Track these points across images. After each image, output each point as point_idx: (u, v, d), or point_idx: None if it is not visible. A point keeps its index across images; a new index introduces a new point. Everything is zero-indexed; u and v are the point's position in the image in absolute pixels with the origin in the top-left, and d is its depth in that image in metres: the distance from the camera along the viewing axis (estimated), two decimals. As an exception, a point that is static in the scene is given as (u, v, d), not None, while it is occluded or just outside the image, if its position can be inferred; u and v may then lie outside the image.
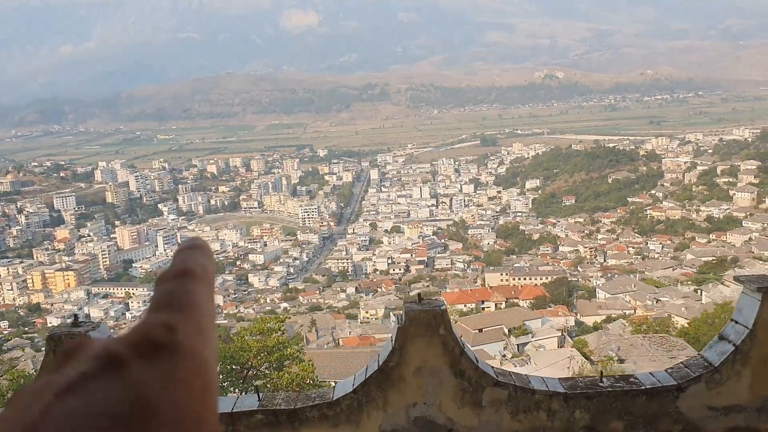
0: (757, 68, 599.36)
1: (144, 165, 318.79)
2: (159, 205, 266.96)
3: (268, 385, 17.52)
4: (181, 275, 0.79)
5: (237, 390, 16.78)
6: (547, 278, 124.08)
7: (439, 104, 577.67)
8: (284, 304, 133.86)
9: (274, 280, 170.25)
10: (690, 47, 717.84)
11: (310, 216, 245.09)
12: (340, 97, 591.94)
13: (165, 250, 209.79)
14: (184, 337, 0.72)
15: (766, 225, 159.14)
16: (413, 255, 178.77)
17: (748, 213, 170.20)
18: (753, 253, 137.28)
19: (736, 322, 5.36)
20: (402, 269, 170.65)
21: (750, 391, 5.14)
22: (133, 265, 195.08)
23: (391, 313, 59.69)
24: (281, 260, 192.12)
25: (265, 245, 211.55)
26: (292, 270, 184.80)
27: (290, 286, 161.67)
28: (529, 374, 5.51)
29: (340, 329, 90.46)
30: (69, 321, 6.70)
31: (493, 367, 5.33)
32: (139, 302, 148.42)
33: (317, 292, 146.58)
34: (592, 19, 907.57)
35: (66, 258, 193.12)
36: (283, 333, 19.26)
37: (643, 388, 5.11)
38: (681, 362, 5.52)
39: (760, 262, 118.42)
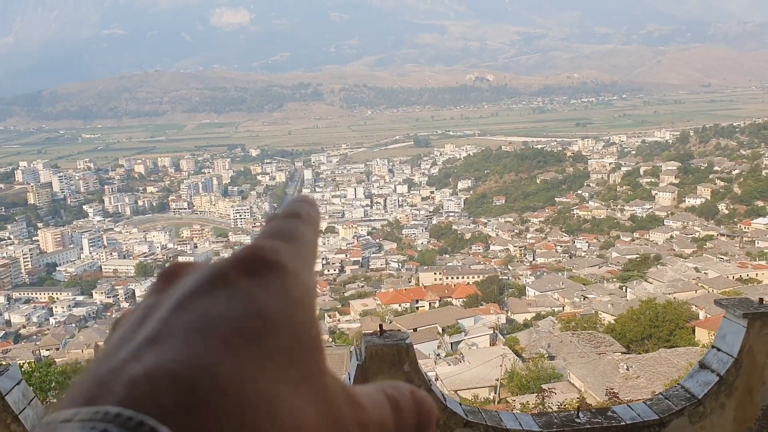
0: (676, 72, 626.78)
1: (68, 165, 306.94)
2: (84, 207, 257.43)
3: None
4: (290, 216, 0.82)
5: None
6: (479, 277, 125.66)
7: (373, 104, 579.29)
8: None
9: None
10: (614, 51, 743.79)
11: (242, 217, 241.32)
12: (273, 96, 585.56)
13: (90, 253, 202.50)
14: (289, 260, 0.72)
15: (686, 224, 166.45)
16: (348, 255, 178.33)
17: (669, 212, 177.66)
18: (674, 250, 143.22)
19: (719, 350, 5.10)
20: (336, 270, 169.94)
21: (734, 423, 4.91)
22: (57, 268, 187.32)
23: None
24: (213, 262, 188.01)
25: (196, 247, 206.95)
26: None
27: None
28: (499, 411, 5.11)
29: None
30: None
31: (461, 404, 4.86)
32: (63, 307, 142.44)
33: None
34: (521, 22, 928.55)
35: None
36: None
37: (623, 424, 4.81)
38: (661, 393, 5.27)
39: (681, 259, 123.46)
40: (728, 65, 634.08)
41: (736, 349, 4.81)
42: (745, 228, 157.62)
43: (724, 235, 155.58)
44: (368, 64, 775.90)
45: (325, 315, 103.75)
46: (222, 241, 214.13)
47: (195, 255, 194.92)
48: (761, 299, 5.03)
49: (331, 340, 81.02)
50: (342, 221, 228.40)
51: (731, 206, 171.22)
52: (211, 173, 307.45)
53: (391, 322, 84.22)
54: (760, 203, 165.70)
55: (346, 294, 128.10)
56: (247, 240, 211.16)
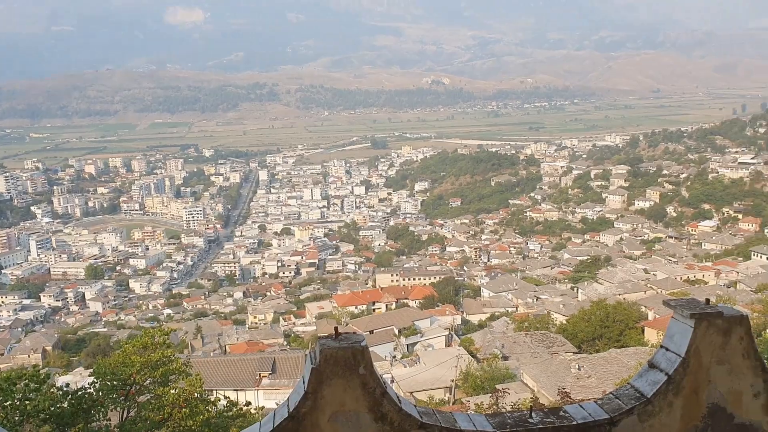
0: (627, 78, 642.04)
1: (15, 165, 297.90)
2: (32, 208, 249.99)
3: (153, 402, 16.64)
4: None
5: (119, 409, 15.83)
6: (435, 278, 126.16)
7: (330, 105, 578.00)
8: (168, 311, 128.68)
9: (157, 286, 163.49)
10: (567, 57, 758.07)
11: (195, 218, 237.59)
12: (227, 96, 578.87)
13: (38, 255, 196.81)
14: None
15: (635, 226, 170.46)
16: (304, 257, 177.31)
17: (619, 215, 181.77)
18: (624, 252, 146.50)
19: (668, 350, 5.23)
20: (292, 272, 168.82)
21: (681, 421, 5.07)
22: (2, 271, 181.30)
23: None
24: (164, 265, 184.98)
25: (147, 249, 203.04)
26: (175, 275, 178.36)
27: (174, 292, 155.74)
28: (454, 413, 5.10)
29: (227, 335, 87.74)
30: None
31: (416, 406, 4.92)
32: (8, 311, 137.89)
33: (203, 297, 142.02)
34: (477, 26, 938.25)
35: None
36: (169, 346, 18.38)
37: (575, 423, 4.92)
38: (611, 392, 5.34)
39: (631, 261, 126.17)
40: (677, 72, 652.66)
41: (683, 349, 4.93)
42: (692, 230, 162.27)
43: (672, 237, 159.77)
44: (325, 65, 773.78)
45: (281, 318, 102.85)
46: (174, 243, 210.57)
47: (147, 257, 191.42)
48: (708, 300, 5.17)
49: (286, 343, 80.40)
50: (298, 223, 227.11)
51: (679, 209, 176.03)
52: (163, 174, 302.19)
53: (347, 325, 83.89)
54: (706, 206, 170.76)
55: (301, 297, 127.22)
56: (199, 242, 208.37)
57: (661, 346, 5.25)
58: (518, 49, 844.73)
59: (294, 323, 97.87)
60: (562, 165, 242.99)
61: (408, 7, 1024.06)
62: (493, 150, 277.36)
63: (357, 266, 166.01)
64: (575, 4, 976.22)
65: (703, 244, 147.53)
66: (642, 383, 5.21)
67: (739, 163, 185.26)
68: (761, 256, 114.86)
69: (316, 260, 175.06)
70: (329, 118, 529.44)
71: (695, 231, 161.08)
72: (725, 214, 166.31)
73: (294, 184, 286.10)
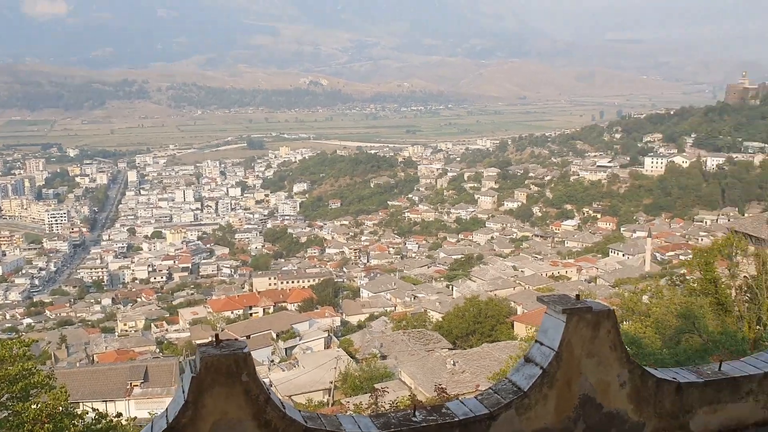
0: (495, 85, 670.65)
1: None
2: None
3: (11, 419, 15.30)
4: None
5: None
6: (314, 280, 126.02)
7: (203, 104, 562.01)
8: (28, 320, 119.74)
9: (15, 294, 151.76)
10: (441, 63, 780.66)
11: (59, 222, 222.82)
12: (94, 93, 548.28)
13: None
14: None
15: (505, 225, 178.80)
16: (176, 262, 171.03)
17: (490, 215, 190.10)
18: (495, 250, 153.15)
19: (542, 344, 5.43)
20: (164, 277, 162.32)
21: (555, 412, 5.29)
22: None
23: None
24: (24, 271, 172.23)
25: (4, 255, 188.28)
26: (36, 282, 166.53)
27: (35, 300, 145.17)
28: (338, 415, 5.07)
29: (95, 344, 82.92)
30: None
31: (300, 411, 4.86)
32: None
33: (67, 304, 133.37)
34: (354, 29, 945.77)
35: None
36: (29, 358, 17.00)
37: (457, 419, 5.00)
38: (491, 387, 5.47)
39: (501, 258, 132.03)
40: (541, 80, 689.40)
41: (556, 343, 5.16)
42: (555, 229, 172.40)
43: (538, 236, 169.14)
44: (198, 63, 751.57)
45: (152, 325, 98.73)
46: (35, 248, 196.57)
47: (4, 263, 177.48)
48: (578, 295, 5.42)
49: (159, 350, 77.36)
50: (170, 226, 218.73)
51: (544, 209, 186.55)
52: (22, 174, 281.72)
53: (223, 330, 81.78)
54: (568, 207, 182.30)
55: (174, 302, 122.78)
56: (63, 247, 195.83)
57: (536, 341, 5.48)
58: (395, 53, 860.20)
59: (167, 330, 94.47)
60: (438, 167, 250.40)
61: (284, 6, 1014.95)
62: (372, 152, 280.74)
63: (233, 270, 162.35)
64: (447, 12, 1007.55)
65: (565, 242, 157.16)
66: (519, 377, 5.38)
67: (598, 166, 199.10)
68: (618, 253, 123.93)
69: (190, 264, 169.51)
70: (203, 117, 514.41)
71: (559, 230, 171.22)
72: (585, 214, 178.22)
73: (165, 185, 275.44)
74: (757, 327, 23.15)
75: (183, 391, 4.49)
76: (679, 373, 6.03)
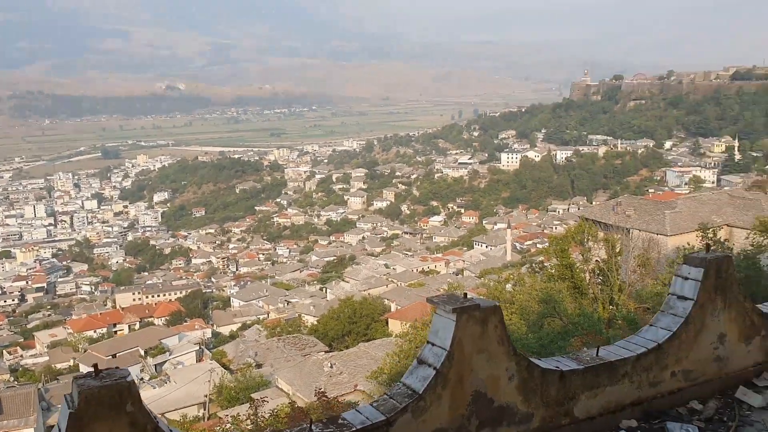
0: (359, 86, 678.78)
1: None
2: None
3: None
4: None
5: None
6: (181, 292, 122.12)
7: (51, 113, 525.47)
8: None
9: None
10: (303, 65, 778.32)
11: None
12: None
13: None
14: None
15: (375, 225, 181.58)
16: (29, 282, 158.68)
17: (360, 215, 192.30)
18: (366, 249, 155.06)
19: (434, 345, 5.40)
20: (16, 299, 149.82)
21: (449, 411, 5.29)
22: None
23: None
24: None
25: None
26: None
27: None
28: None
29: (-64, 380, 75.20)
30: None
31: None
32: None
33: None
34: (211, 32, 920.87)
35: None
36: None
37: (355, 429, 4.92)
38: (386, 393, 5.40)
39: (373, 257, 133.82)
40: (404, 81, 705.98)
41: (448, 342, 5.14)
42: (423, 226, 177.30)
43: (407, 233, 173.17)
44: (44, 70, 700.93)
45: (5, 352, 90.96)
46: None
47: None
48: (465, 294, 5.40)
49: (13, 379, 71.46)
50: (20, 244, 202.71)
51: (412, 207, 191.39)
52: None
53: (85, 351, 76.95)
54: (434, 203, 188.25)
55: (29, 326, 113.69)
56: None
57: (428, 342, 5.45)
58: (255, 55, 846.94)
59: (22, 356, 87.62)
60: (306, 170, 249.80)
61: (135, 10, 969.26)
62: (236, 157, 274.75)
63: (93, 287, 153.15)
64: (306, 14, 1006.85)
65: (433, 237, 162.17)
66: (413, 380, 5.37)
67: (459, 163, 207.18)
68: (482, 245, 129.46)
69: (45, 284, 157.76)
70: (51, 127, 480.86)
71: (426, 226, 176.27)
72: (450, 210, 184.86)
73: (12, 201, 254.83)
74: (611, 307, 24.72)
75: (60, 429, 4.16)
76: (560, 362, 6.24)
